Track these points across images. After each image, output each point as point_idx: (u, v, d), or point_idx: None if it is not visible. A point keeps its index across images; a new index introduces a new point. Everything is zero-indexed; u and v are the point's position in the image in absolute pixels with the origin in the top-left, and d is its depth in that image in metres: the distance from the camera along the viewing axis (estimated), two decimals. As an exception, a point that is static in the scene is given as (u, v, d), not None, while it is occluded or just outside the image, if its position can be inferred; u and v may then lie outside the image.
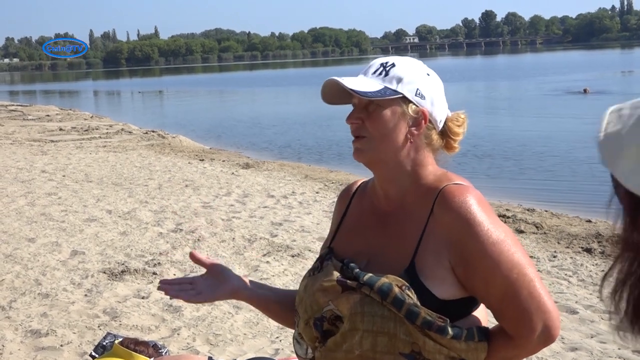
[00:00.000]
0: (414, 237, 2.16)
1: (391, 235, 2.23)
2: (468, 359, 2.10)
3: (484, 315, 2.22)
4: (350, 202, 2.45)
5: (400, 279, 2.07)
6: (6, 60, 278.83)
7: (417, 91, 2.18)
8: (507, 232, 2.14)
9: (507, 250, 2.09)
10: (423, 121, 2.19)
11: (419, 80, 2.20)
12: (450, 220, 2.12)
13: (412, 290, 2.05)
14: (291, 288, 6.60)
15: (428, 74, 2.24)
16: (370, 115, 2.17)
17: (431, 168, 2.23)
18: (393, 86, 2.17)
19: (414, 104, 2.18)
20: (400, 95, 2.16)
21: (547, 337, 2.11)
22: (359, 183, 2.49)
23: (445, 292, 2.11)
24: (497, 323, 2.18)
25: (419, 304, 2.04)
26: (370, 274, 2.09)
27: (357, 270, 2.14)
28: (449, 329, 2.05)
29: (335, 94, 2.24)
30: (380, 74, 2.20)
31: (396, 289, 2.05)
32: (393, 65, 2.21)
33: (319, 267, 2.29)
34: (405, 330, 2.04)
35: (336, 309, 2.13)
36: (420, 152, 2.21)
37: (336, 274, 2.18)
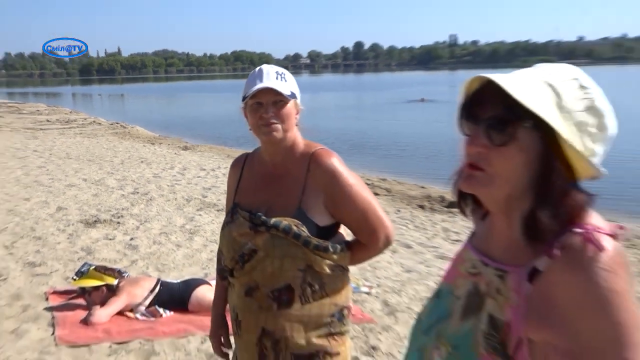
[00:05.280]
0: (298, 188, 2.20)
1: (281, 189, 2.24)
2: (340, 263, 2.21)
3: (345, 232, 2.33)
4: (242, 168, 2.42)
5: (295, 220, 2.13)
6: (3, 72, 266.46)
7: (297, 90, 2.24)
8: (358, 179, 2.24)
9: (360, 191, 2.20)
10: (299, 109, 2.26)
11: (294, 83, 2.26)
12: (322, 173, 2.18)
13: (305, 226, 2.13)
14: (217, 232, 6.64)
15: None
16: (279, 109, 2.14)
17: (300, 138, 2.27)
18: (294, 90, 2.20)
19: (297, 99, 2.23)
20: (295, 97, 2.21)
21: (387, 242, 2.26)
22: (245, 155, 2.46)
23: (322, 221, 2.19)
24: (354, 237, 2.29)
25: (309, 234, 2.13)
26: (275, 219, 2.14)
27: (264, 217, 2.17)
28: (330, 248, 2.16)
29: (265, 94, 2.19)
30: (282, 79, 2.18)
31: (294, 227, 2.12)
32: (283, 74, 2.22)
33: (231, 219, 2.28)
34: (302, 252, 2.13)
35: (254, 245, 2.16)
36: (295, 129, 2.27)
37: (246, 223, 2.20)
